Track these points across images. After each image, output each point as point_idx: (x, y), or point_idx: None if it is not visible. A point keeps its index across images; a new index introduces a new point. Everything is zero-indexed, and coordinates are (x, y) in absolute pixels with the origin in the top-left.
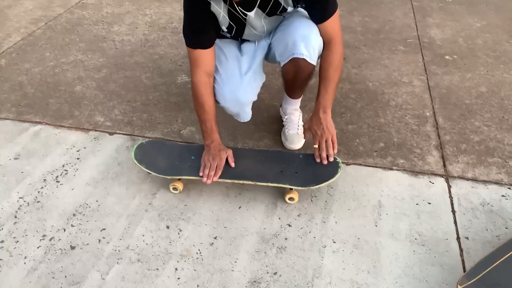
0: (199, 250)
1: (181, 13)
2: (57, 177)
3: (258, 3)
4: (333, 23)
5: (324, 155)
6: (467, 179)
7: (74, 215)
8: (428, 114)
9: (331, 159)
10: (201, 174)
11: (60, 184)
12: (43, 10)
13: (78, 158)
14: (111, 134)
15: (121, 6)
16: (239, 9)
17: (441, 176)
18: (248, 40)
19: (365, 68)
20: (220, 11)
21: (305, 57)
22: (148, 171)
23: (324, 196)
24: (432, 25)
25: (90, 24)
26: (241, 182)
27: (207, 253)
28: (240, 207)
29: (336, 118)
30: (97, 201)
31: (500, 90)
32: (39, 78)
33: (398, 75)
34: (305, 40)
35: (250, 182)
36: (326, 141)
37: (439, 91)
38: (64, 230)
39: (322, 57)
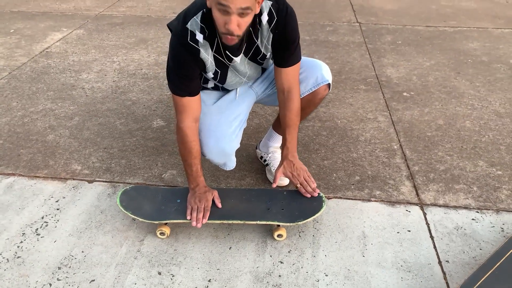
0: None
1: (149, 60)
2: (37, 229)
3: (244, 48)
4: (295, 71)
5: (309, 189)
6: (440, 206)
7: (59, 268)
8: (395, 147)
9: (316, 193)
10: (188, 217)
11: (41, 237)
12: (5, 60)
13: (57, 209)
14: (90, 182)
15: (87, 54)
16: (226, 53)
17: (416, 204)
18: (228, 90)
19: (332, 106)
20: (208, 58)
21: (330, 82)
22: (134, 217)
23: (311, 230)
24: (387, 65)
25: (57, 72)
26: (229, 222)
27: None
28: (230, 247)
29: (312, 155)
30: (82, 251)
31: (456, 122)
32: (8, 129)
33: (363, 112)
34: (322, 68)
35: (238, 222)
36: (304, 178)
37: (402, 125)
38: (50, 285)
39: (284, 104)
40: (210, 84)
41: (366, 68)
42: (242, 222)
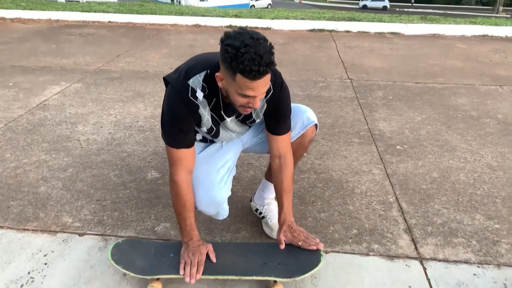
0: None
1: (146, 113)
2: (22, 286)
3: (237, 112)
4: (288, 138)
5: (312, 242)
6: (439, 260)
7: None
8: (391, 199)
9: (321, 245)
10: (182, 272)
11: None
12: (1, 112)
13: (45, 263)
14: (81, 235)
15: (84, 107)
16: (221, 113)
17: (415, 259)
18: (214, 142)
19: (326, 159)
20: (205, 114)
21: (316, 122)
22: (126, 271)
23: (309, 287)
24: (380, 119)
25: (53, 124)
26: (224, 277)
27: None
28: None
29: (308, 207)
30: None
31: (450, 175)
32: None
33: (357, 165)
34: (307, 110)
35: (234, 277)
36: (304, 236)
37: (397, 178)
38: None
39: (278, 170)
40: (199, 137)
41: (358, 122)
42: (237, 277)
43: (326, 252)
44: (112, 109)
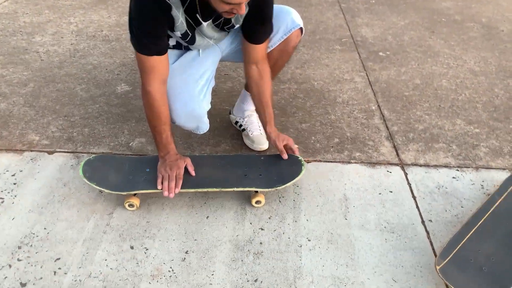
0: (171, 267)
1: (110, 21)
2: None
3: (215, 15)
4: (266, 47)
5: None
6: (420, 165)
7: (19, 247)
8: (373, 107)
9: (297, 152)
10: (159, 187)
11: None
12: None
13: (14, 183)
14: (50, 153)
15: (40, 15)
16: (197, 16)
17: (397, 165)
18: (189, 49)
19: (307, 68)
20: (179, 16)
21: (301, 26)
22: (100, 188)
23: (291, 195)
24: (362, 24)
25: (7, 35)
26: (204, 190)
27: (181, 270)
28: (207, 216)
29: (289, 118)
30: (45, 228)
31: (433, 81)
32: None
33: (339, 73)
34: (292, 12)
35: (214, 189)
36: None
37: (379, 86)
38: (10, 266)
39: (259, 78)
40: (172, 42)
41: (340, 28)
42: (218, 189)
43: (308, 162)
44: (72, 17)
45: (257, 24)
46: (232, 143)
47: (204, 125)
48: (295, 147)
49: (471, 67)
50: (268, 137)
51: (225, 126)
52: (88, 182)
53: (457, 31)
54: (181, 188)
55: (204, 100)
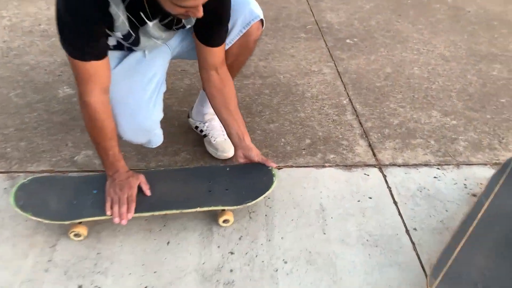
0: None
1: (49, 13)
2: None
3: (162, 14)
4: (224, 49)
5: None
6: (399, 166)
7: None
8: (345, 102)
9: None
10: (108, 213)
11: None
12: None
13: None
14: None
15: None
16: (140, 14)
17: (374, 166)
18: (133, 50)
19: (272, 59)
20: (119, 14)
21: (262, 17)
22: (37, 219)
23: (263, 209)
24: (326, 9)
25: None
26: (162, 213)
27: None
28: (168, 242)
29: (256, 118)
30: None
31: (404, 69)
32: None
33: (306, 64)
34: (250, 2)
35: (174, 211)
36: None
37: (349, 77)
38: None
39: (220, 84)
40: (112, 42)
41: (304, 13)
42: (178, 211)
43: (279, 168)
44: (5, 10)
45: (213, 25)
46: (194, 151)
47: (157, 138)
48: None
49: (442, 52)
50: (246, 150)
51: (185, 131)
52: (22, 212)
53: (424, 14)
54: (134, 213)
55: (155, 109)
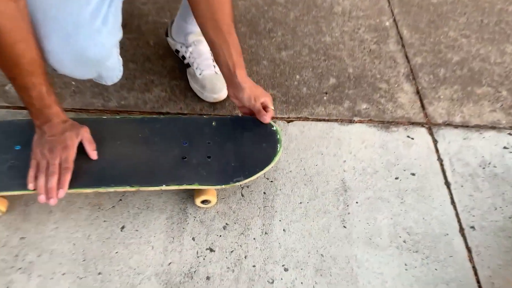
0: None
1: None
2: None
3: None
4: None
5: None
6: (456, 126)
7: None
8: (387, 23)
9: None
10: (30, 186)
11: None
12: None
13: None
14: None
15: None
16: None
17: (422, 125)
18: None
19: None
20: None
21: None
22: None
23: (260, 183)
24: None
25: None
26: (111, 190)
27: None
28: (123, 227)
29: (263, 41)
30: None
31: None
32: None
33: None
34: None
35: (130, 189)
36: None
37: None
38: None
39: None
40: None
41: None
42: (135, 189)
43: (289, 121)
44: None
45: None
46: (172, 86)
47: (112, 72)
48: (271, 108)
49: None
50: (236, 88)
51: (163, 54)
52: None
53: None
54: (71, 188)
55: (105, 27)
